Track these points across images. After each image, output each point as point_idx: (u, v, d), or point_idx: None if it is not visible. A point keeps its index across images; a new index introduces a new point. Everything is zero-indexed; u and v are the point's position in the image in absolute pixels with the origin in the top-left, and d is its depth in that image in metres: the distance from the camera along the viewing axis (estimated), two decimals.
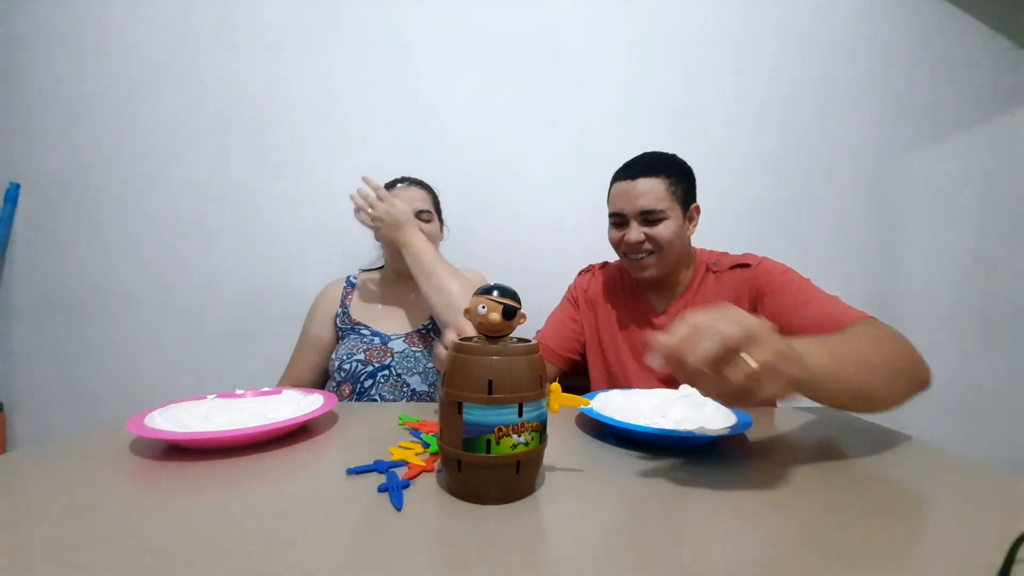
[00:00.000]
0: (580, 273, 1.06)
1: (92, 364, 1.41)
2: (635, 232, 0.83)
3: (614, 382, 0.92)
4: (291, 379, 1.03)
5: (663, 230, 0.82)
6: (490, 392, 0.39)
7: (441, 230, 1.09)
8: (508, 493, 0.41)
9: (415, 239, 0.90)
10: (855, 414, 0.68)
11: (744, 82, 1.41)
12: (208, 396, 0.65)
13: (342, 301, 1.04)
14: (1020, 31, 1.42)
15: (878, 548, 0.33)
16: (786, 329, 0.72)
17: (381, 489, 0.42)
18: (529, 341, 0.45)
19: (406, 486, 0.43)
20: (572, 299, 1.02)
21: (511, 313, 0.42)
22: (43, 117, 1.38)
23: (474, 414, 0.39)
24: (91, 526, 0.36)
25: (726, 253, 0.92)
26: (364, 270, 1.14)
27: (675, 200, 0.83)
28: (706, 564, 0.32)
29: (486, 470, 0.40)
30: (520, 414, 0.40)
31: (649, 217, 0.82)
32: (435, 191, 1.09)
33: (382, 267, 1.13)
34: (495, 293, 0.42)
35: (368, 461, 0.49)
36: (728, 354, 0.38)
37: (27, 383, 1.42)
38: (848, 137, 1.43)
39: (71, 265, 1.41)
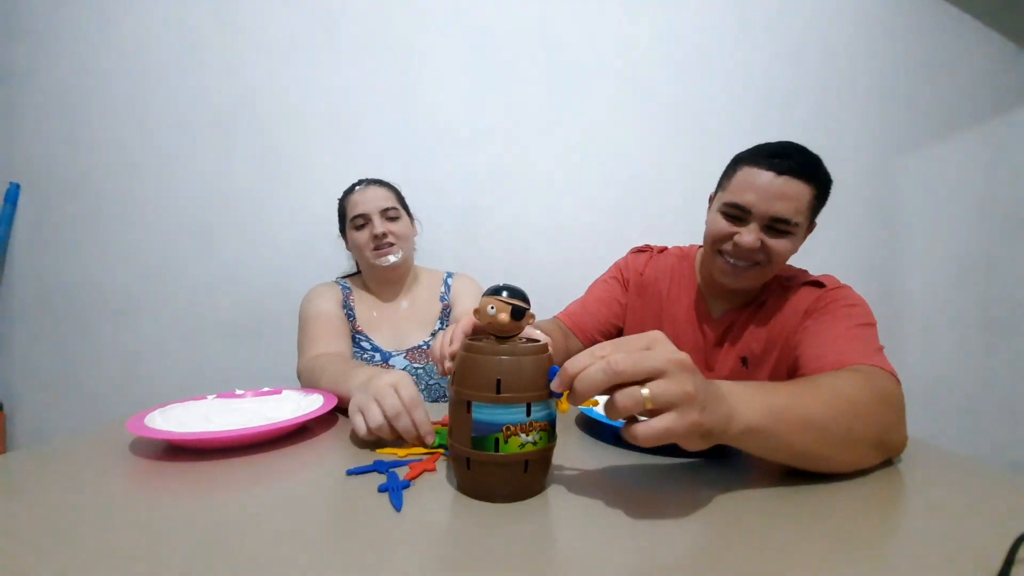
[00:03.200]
0: (634, 251, 0.95)
1: (92, 364, 1.41)
2: (752, 236, 0.68)
3: None
4: (330, 348, 0.88)
5: (785, 245, 0.69)
6: (498, 391, 0.39)
7: (412, 224, 1.04)
8: (517, 492, 0.41)
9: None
10: None
11: (743, 82, 1.41)
12: (208, 396, 0.65)
13: (345, 302, 0.99)
14: (1019, 31, 1.41)
15: (878, 548, 0.33)
16: (797, 349, 0.66)
17: (381, 489, 0.42)
18: (537, 341, 0.45)
19: (406, 486, 0.43)
20: (621, 279, 0.92)
21: (520, 314, 0.42)
22: (43, 117, 1.38)
23: (483, 413, 0.40)
24: (90, 526, 0.36)
25: (806, 271, 0.80)
26: (343, 277, 1.08)
27: (811, 215, 0.70)
28: (711, 563, 0.31)
29: (495, 468, 0.40)
30: (528, 413, 0.40)
31: (778, 227, 0.68)
32: (396, 187, 1.04)
33: (357, 274, 1.09)
34: (504, 294, 0.42)
35: (368, 461, 0.49)
36: (619, 384, 0.34)
37: (27, 383, 1.42)
38: (848, 137, 1.43)
39: (71, 265, 1.41)
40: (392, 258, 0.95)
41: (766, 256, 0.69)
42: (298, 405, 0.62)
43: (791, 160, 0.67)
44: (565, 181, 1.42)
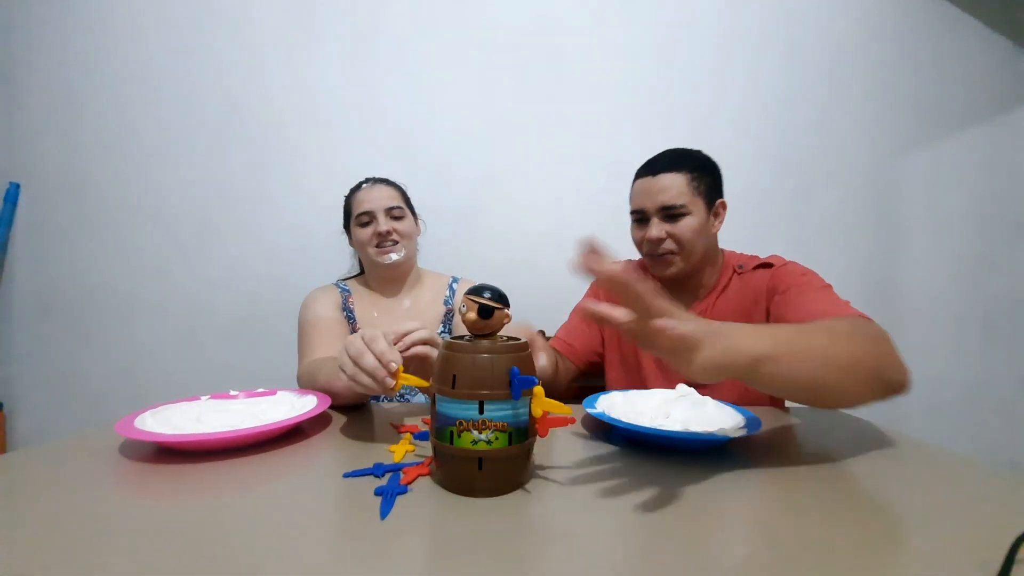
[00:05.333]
0: None
1: (92, 364, 1.41)
2: (656, 229, 0.80)
3: (631, 383, 0.90)
4: (329, 353, 0.88)
5: (685, 226, 0.79)
6: (453, 386, 0.41)
7: (417, 224, 1.04)
8: (476, 487, 0.41)
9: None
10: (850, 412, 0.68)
11: (744, 82, 1.41)
12: (201, 397, 0.65)
13: (344, 305, 0.98)
14: (1020, 31, 1.41)
15: (878, 547, 0.33)
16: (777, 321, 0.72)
17: (378, 492, 0.42)
18: (517, 340, 0.44)
19: (403, 492, 0.42)
20: (594, 297, 0.98)
21: (487, 312, 0.43)
22: (43, 117, 1.39)
23: (442, 406, 0.42)
24: (75, 529, 0.36)
25: (757, 256, 0.88)
26: (343, 279, 1.07)
27: (698, 195, 0.80)
28: (710, 563, 0.31)
29: (452, 460, 0.42)
30: (481, 411, 0.40)
31: (670, 213, 0.79)
32: (402, 187, 1.05)
33: (359, 275, 1.08)
34: (486, 294, 0.43)
35: (362, 462, 0.48)
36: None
37: (27, 383, 1.42)
38: (848, 137, 1.43)
39: (71, 265, 1.41)
40: (395, 256, 0.95)
41: (676, 241, 0.80)
42: (292, 406, 0.61)
43: (661, 160, 0.82)
44: (565, 181, 1.42)
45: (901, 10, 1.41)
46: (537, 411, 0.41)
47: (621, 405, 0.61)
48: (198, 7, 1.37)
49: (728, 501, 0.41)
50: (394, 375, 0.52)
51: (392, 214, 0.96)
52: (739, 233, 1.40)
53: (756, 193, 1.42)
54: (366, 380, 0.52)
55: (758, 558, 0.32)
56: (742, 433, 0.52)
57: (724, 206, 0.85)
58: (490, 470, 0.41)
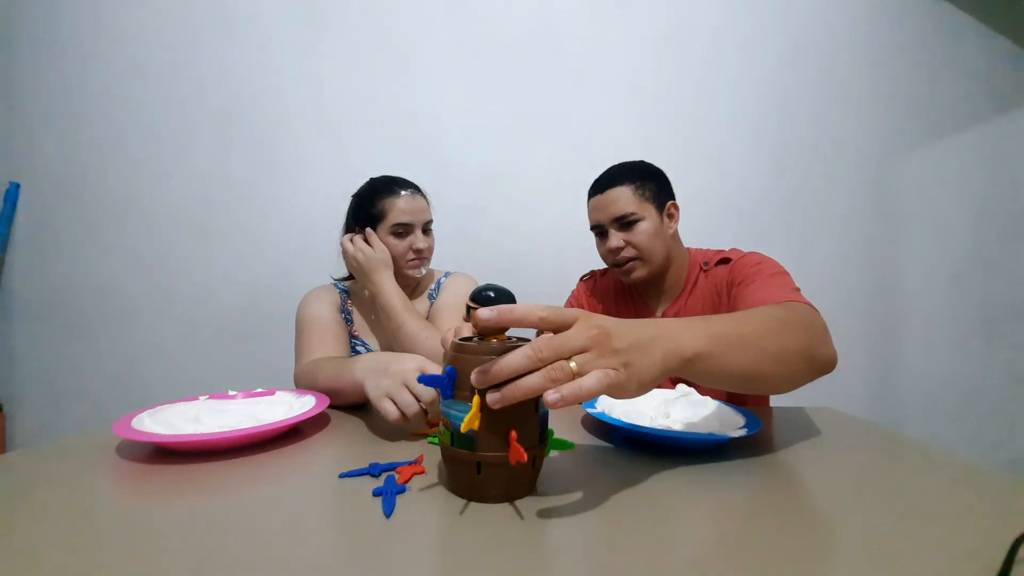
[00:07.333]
0: (581, 279, 1.07)
1: (92, 364, 1.42)
2: (614, 239, 0.86)
3: None
4: (327, 353, 0.90)
5: (640, 232, 0.85)
6: (455, 388, 0.40)
7: None
8: (475, 492, 0.40)
9: (384, 287, 0.88)
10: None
11: (744, 82, 1.41)
12: (200, 397, 0.65)
13: (342, 306, 0.98)
14: (1020, 31, 1.41)
15: (878, 547, 0.33)
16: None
17: (376, 492, 0.42)
18: (527, 340, 0.44)
19: (401, 491, 0.42)
20: (576, 302, 1.02)
21: (468, 313, 0.44)
22: (43, 117, 1.39)
23: (446, 407, 0.41)
24: (72, 530, 0.36)
25: (720, 251, 0.91)
26: (341, 280, 1.06)
27: (645, 200, 0.86)
28: (710, 563, 0.31)
29: (451, 464, 0.41)
30: None
31: (624, 221, 0.85)
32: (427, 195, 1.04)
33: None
34: (490, 294, 0.44)
35: (360, 463, 0.48)
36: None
37: (27, 383, 1.42)
38: (848, 137, 1.43)
39: (71, 265, 1.41)
40: (423, 270, 0.97)
41: (635, 247, 0.85)
42: (290, 407, 0.61)
43: (605, 177, 0.90)
44: (565, 181, 1.42)
45: (901, 10, 1.41)
46: (474, 423, 0.37)
47: (621, 405, 0.61)
48: (198, 7, 1.37)
49: (728, 501, 0.41)
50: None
51: (426, 229, 0.97)
52: (740, 233, 1.40)
53: (755, 193, 1.42)
54: (421, 423, 0.55)
55: (758, 558, 0.31)
56: (742, 433, 0.52)
57: (676, 207, 0.90)
58: (488, 475, 0.40)
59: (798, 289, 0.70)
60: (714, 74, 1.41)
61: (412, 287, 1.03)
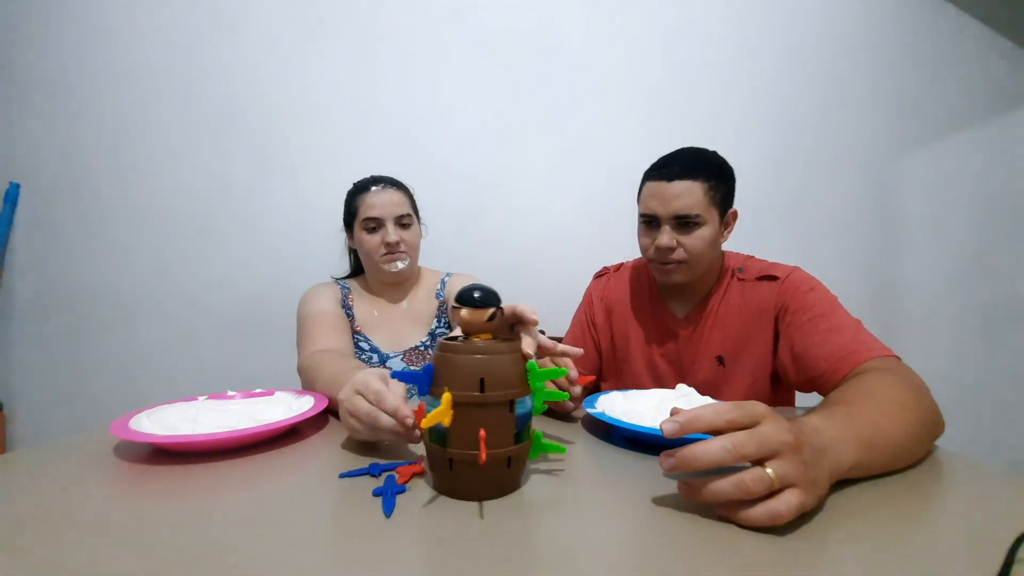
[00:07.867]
0: (595, 277, 1.01)
1: (92, 364, 1.41)
2: (667, 237, 0.75)
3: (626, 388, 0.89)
4: (330, 344, 0.87)
5: (697, 238, 0.75)
6: (439, 387, 0.41)
7: (421, 229, 1.02)
8: (450, 488, 0.41)
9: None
10: None
11: (744, 82, 1.41)
12: (199, 397, 0.65)
13: (344, 302, 0.98)
14: (1020, 31, 1.41)
15: (878, 547, 0.33)
16: (797, 352, 0.70)
17: (376, 492, 0.42)
18: (507, 341, 0.43)
19: (401, 491, 0.42)
20: (588, 311, 0.96)
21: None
22: (43, 117, 1.39)
23: (431, 407, 0.41)
24: (70, 530, 0.35)
25: (752, 257, 0.85)
26: (342, 278, 1.06)
27: (713, 205, 0.76)
28: (709, 563, 0.31)
29: (431, 459, 0.42)
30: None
31: (684, 222, 0.75)
32: (410, 189, 1.02)
33: (359, 274, 1.06)
34: (476, 294, 0.43)
35: (360, 463, 0.48)
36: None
37: (27, 383, 1.42)
38: (848, 137, 1.43)
39: (71, 266, 1.41)
40: (400, 265, 0.94)
41: (685, 251, 0.76)
42: (289, 407, 0.61)
43: (677, 164, 0.76)
44: (565, 181, 1.42)
45: (901, 10, 1.41)
46: (444, 419, 0.37)
47: (621, 405, 0.61)
48: (198, 7, 1.37)
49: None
50: (416, 426, 0.47)
51: (401, 222, 0.94)
52: (740, 233, 1.40)
53: (756, 193, 1.41)
54: (389, 438, 0.50)
55: (758, 558, 0.31)
56: None
57: (735, 216, 0.82)
58: (459, 471, 0.40)
59: (861, 325, 0.67)
60: (714, 75, 1.41)
61: (406, 286, 1.02)
